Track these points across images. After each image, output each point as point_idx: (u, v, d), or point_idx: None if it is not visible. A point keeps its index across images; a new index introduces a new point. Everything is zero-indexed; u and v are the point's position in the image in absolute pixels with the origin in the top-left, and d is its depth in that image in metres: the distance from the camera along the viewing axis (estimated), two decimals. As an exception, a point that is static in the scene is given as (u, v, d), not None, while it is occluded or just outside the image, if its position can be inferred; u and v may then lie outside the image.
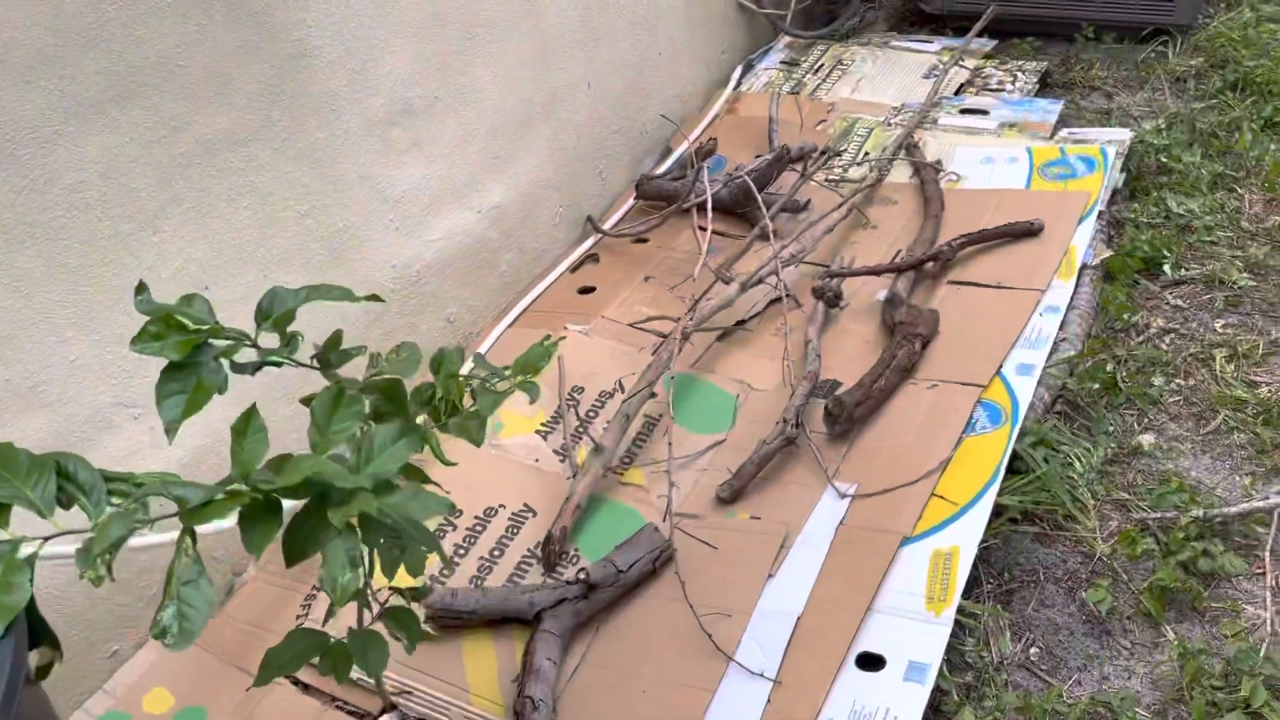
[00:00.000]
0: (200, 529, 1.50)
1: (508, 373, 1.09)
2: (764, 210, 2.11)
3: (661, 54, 2.60)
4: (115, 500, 0.87)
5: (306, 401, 1.04)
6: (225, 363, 0.96)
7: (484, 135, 2.03)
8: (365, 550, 1.10)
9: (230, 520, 1.55)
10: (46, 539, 0.83)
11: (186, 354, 0.93)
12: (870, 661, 1.40)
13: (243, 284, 1.55)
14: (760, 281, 2.00)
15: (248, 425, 0.93)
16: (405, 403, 1.05)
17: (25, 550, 0.79)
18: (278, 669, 1.11)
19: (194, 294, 0.98)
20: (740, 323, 2.05)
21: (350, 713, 1.44)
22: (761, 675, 1.39)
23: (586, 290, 2.21)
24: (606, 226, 2.36)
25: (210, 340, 0.95)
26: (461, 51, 1.93)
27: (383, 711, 1.44)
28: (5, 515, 0.81)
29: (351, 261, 1.76)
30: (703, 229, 2.13)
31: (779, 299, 2.03)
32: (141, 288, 0.96)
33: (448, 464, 1.09)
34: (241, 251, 1.55)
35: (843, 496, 1.64)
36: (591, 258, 2.32)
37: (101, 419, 1.41)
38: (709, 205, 2.10)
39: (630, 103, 2.50)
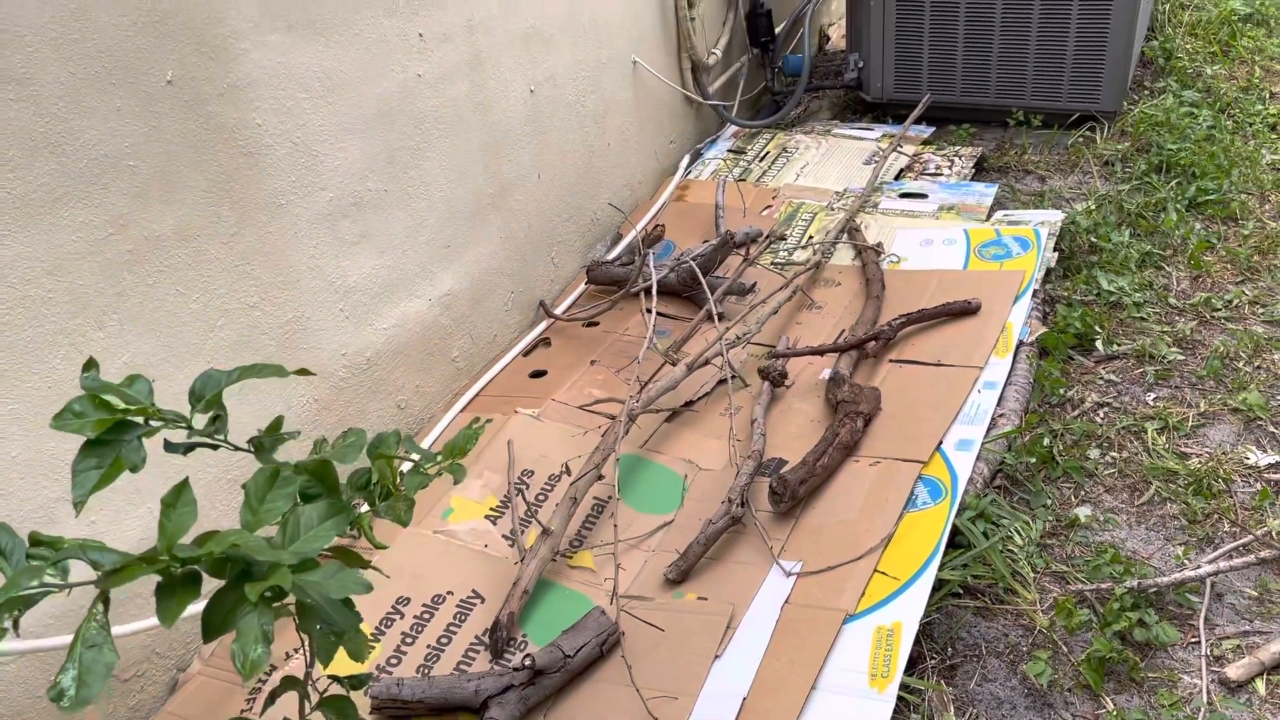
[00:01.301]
0: (139, 625, 1.50)
1: (438, 457, 1.11)
2: (709, 293, 2.16)
3: (610, 145, 2.68)
4: (35, 563, 0.88)
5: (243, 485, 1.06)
6: (147, 443, 0.98)
7: (434, 225, 2.08)
8: (305, 638, 1.11)
9: (153, 620, 1.54)
10: None
11: (104, 431, 0.95)
12: (813, 741, 1.40)
13: (189, 375, 1.55)
14: (707, 363, 2.05)
15: (178, 498, 0.95)
16: (336, 484, 1.07)
17: None
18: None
19: (137, 375, 1.00)
20: (688, 403, 2.08)
21: (293, 809, 1.41)
22: (707, 758, 1.39)
23: (538, 374, 2.24)
24: (558, 311, 2.41)
25: (136, 419, 0.97)
26: (411, 146, 1.99)
27: (326, 807, 1.41)
28: None
29: (301, 350, 1.78)
30: (649, 311, 2.18)
31: (726, 379, 2.08)
32: (90, 364, 0.98)
33: (379, 546, 1.10)
34: (189, 344, 1.57)
35: (788, 575, 1.66)
36: (544, 342, 2.36)
37: (44, 513, 1.41)
38: (654, 289, 2.15)
39: (580, 191, 2.57)
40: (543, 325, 2.39)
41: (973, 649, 1.59)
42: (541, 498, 1.89)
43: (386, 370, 2.00)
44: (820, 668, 1.49)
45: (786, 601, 1.62)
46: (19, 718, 1.42)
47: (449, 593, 1.71)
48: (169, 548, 0.93)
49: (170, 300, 1.54)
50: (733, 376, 2.05)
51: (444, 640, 1.64)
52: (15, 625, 0.87)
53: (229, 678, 1.61)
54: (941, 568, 1.64)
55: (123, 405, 0.99)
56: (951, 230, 2.56)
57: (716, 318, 2.12)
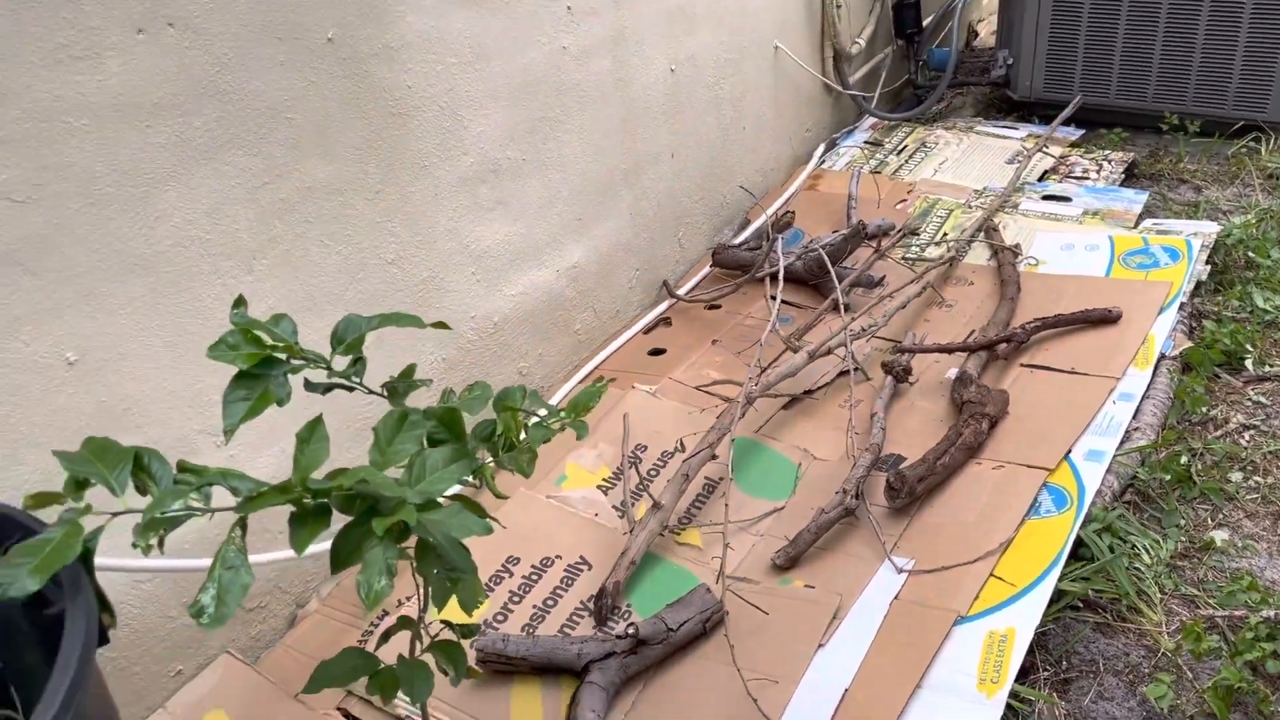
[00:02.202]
0: (268, 556, 1.56)
1: (562, 413, 1.12)
2: (836, 282, 2.13)
3: (746, 129, 2.66)
4: (180, 486, 0.92)
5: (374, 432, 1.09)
6: (292, 379, 1.02)
7: (567, 197, 2.10)
8: (422, 582, 1.14)
9: (288, 552, 1.60)
10: (114, 515, 0.88)
11: (254, 364, 0.99)
12: (916, 739, 1.38)
13: (328, 323, 1.61)
14: (829, 352, 2.02)
15: (312, 433, 0.99)
16: (462, 432, 1.10)
17: (91, 522, 0.85)
18: (327, 681, 1.15)
19: (283, 315, 1.04)
20: (807, 392, 2.06)
21: (396, 749, 1.46)
22: (804, 744, 1.37)
23: (657, 352, 2.25)
24: (681, 292, 2.41)
25: (281, 356, 1.01)
26: (551, 117, 2.01)
27: (427, 750, 1.45)
28: (83, 489, 0.87)
29: (434, 309, 1.83)
30: (774, 298, 2.16)
31: (847, 371, 2.04)
32: (239, 302, 1.03)
33: (500, 496, 1.12)
34: (329, 294, 1.63)
35: (899, 571, 1.63)
36: (664, 321, 2.36)
37: (187, 445, 1.49)
38: (780, 275, 2.13)
39: (712, 174, 2.57)
40: (664, 305, 2.40)
41: (1090, 665, 1.53)
42: (653, 473, 1.90)
43: (511, 336, 2.03)
44: (927, 666, 1.45)
45: (896, 597, 1.59)
46: (150, 634, 1.50)
47: (557, 557, 1.74)
48: (302, 480, 0.97)
49: (315, 250, 1.60)
50: (855, 368, 2.02)
51: (550, 602, 1.66)
52: (160, 544, 0.92)
53: (344, 618, 1.67)
54: (1061, 578, 1.58)
55: (270, 342, 1.03)
56: (1095, 235, 2.46)
57: (842, 308, 2.09)
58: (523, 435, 1.13)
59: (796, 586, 1.64)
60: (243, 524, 0.95)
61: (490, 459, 1.13)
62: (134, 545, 0.87)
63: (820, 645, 1.53)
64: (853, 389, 1.98)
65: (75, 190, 1.27)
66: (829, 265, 2.17)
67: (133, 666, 1.49)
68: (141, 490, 0.93)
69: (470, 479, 1.12)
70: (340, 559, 1.00)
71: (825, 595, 1.61)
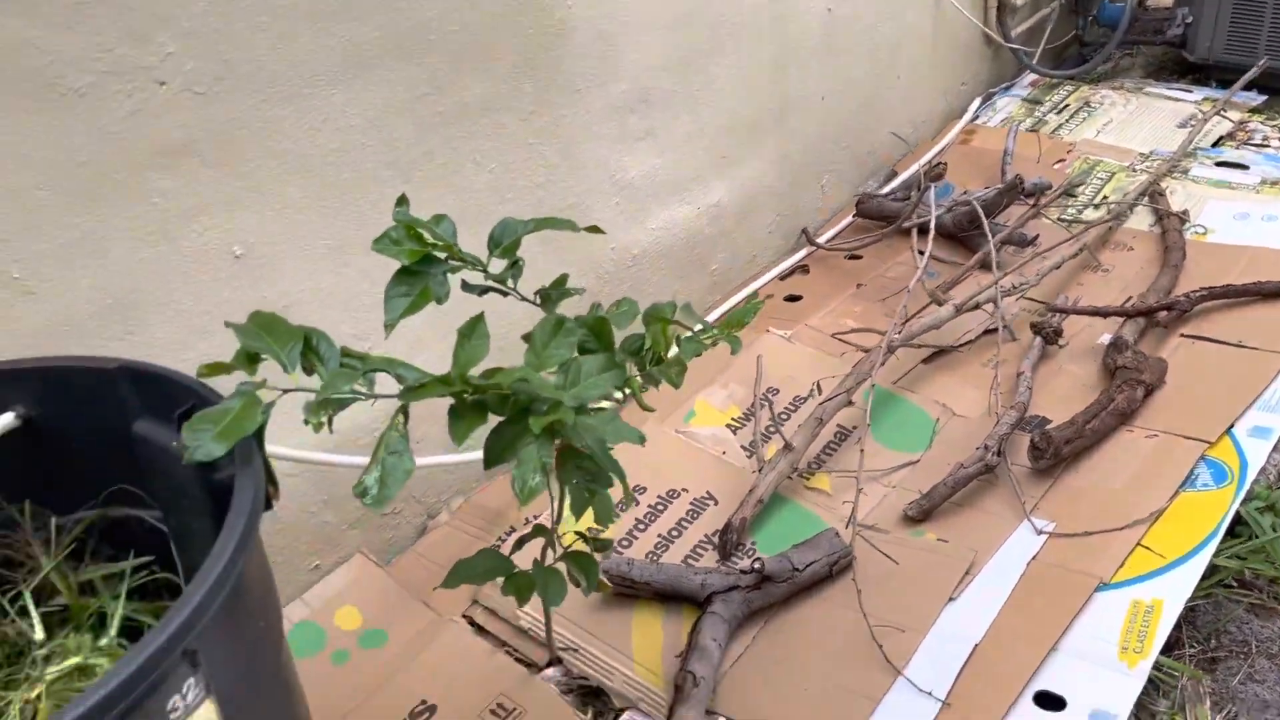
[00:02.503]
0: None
1: (715, 331, 1.11)
2: (990, 237, 2.05)
3: (900, 77, 2.58)
4: (348, 369, 0.95)
5: (526, 338, 1.10)
6: (450, 279, 1.03)
7: (714, 133, 2.07)
8: (559, 490, 1.15)
9: (430, 458, 1.64)
10: (285, 391, 0.91)
11: (416, 261, 1.00)
12: (1050, 701, 1.33)
13: (478, 240, 1.65)
14: (976, 307, 1.95)
15: (473, 330, 1.00)
16: (612, 343, 1.10)
17: (267, 396, 0.88)
18: (464, 578, 1.17)
19: (443, 215, 1.06)
20: (949, 347, 1.99)
21: (517, 659, 1.49)
22: (930, 694, 1.34)
23: (793, 298, 2.21)
24: (821, 240, 2.36)
25: (441, 256, 1.02)
26: (705, 50, 1.98)
27: (549, 664, 1.48)
28: (255, 364, 0.90)
29: (576, 238, 1.83)
30: (921, 252, 2.10)
31: (994, 329, 1.97)
32: (402, 200, 1.04)
33: (646, 409, 1.12)
34: (479, 211, 1.65)
35: (1039, 533, 1.56)
36: (802, 268, 2.32)
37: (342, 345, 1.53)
38: (931, 226, 2.06)
39: (861, 121, 2.49)
40: (803, 253, 2.35)
41: (1241, 645, 1.44)
42: (784, 416, 1.87)
43: (649, 270, 2.02)
44: (1064, 630, 1.40)
45: (1033, 558, 1.53)
46: (294, 528, 1.56)
47: (684, 490, 1.73)
48: (462, 374, 0.98)
49: (468, 167, 1.62)
50: (1003, 326, 1.94)
51: (674, 533, 1.66)
52: (329, 424, 0.95)
53: (473, 531, 1.70)
54: (1216, 554, 1.50)
55: (430, 240, 1.04)
56: (1274, 206, 2.30)
57: (994, 264, 2.01)
58: (673, 350, 1.13)
59: (928, 539, 1.60)
60: (405, 411, 0.97)
61: (638, 373, 1.12)
62: (305, 421, 0.90)
63: (951, 599, 1.48)
64: (1000, 347, 1.90)
65: (252, 87, 1.31)
66: (983, 218, 2.09)
67: (275, 557, 1.55)
68: (308, 370, 0.95)
69: (618, 393, 1.12)
70: (493, 456, 1.01)
71: (959, 550, 1.56)
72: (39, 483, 1.06)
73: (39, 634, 1.00)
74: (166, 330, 1.31)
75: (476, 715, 1.41)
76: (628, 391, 1.13)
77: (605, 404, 1.12)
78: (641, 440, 1.01)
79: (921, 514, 1.63)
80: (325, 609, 1.59)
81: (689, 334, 1.12)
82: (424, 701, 1.44)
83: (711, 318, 2.15)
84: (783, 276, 2.29)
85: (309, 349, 0.94)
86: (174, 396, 0.95)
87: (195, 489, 0.92)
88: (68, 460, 1.05)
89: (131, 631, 1.06)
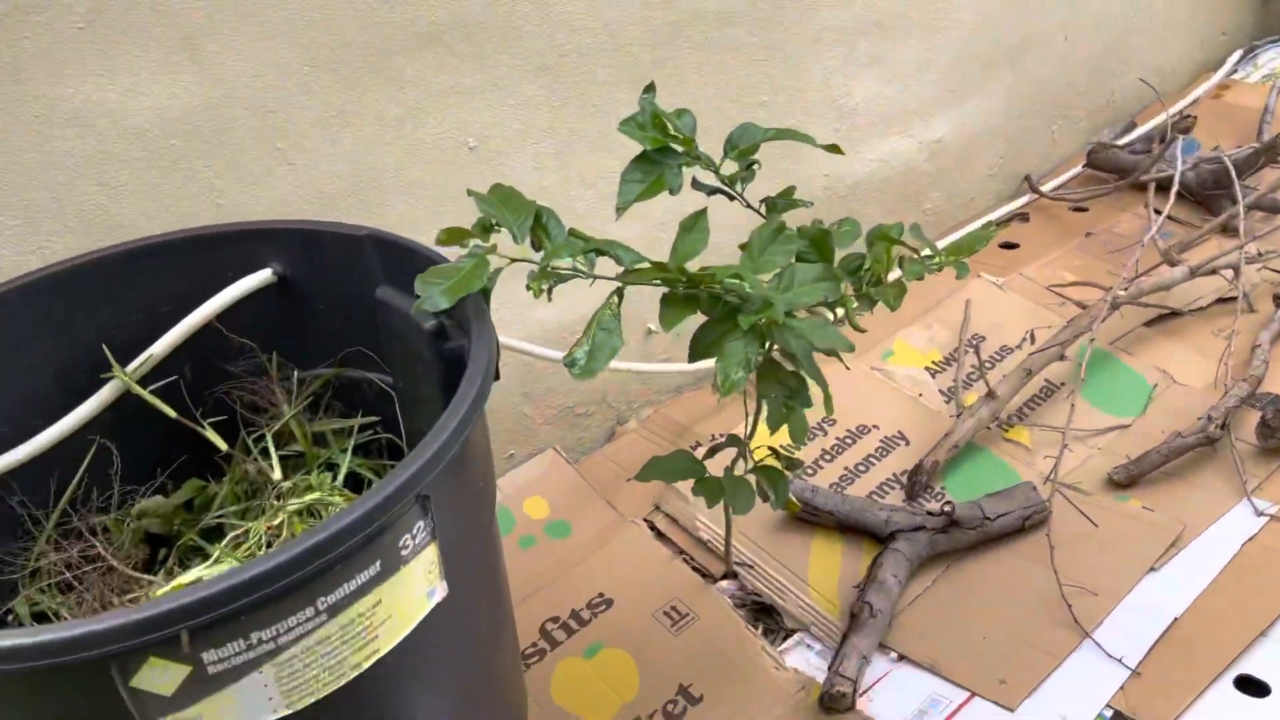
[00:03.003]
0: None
1: (942, 256, 1.07)
2: (1239, 199, 1.89)
3: (1153, 20, 2.39)
4: (573, 243, 0.98)
5: (744, 247, 1.10)
6: (685, 173, 1.05)
7: (945, 66, 1.99)
8: (756, 404, 1.15)
9: (627, 363, 1.68)
10: (513, 261, 0.95)
11: (655, 148, 1.02)
12: (1252, 686, 1.25)
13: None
14: (1213, 272, 1.81)
15: (695, 223, 1.01)
16: (831, 256, 1.08)
17: (495, 261, 0.92)
18: (658, 474, 1.21)
19: (685, 110, 1.06)
20: (1177, 312, 1.86)
21: (694, 568, 1.52)
22: (1120, 661, 1.29)
23: (1009, 246, 2.12)
24: (1046, 189, 2.24)
25: (678, 149, 1.03)
26: (945, -24, 1.90)
27: (724, 576, 1.50)
28: (489, 233, 0.94)
29: (790, 161, 1.81)
30: (1158, 211, 1.96)
31: (1232, 298, 1.83)
32: (650, 88, 1.06)
33: (858, 329, 1.10)
34: (701, 126, 1.64)
35: (1259, 514, 1.46)
36: (1021, 216, 2.21)
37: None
38: (1175, 183, 1.92)
39: (1105, 66, 2.33)
40: (1023, 200, 2.24)
41: None
42: (988, 365, 1.81)
43: (860, 202, 1.98)
44: (1279, 617, 1.31)
45: (1250, 540, 1.43)
46: (496, 415, 1.63)
47: (875, 426, 1.71)
48: (680, 264, 0.99)
49: (693, 79, 1.62)
50: (1243, 295, 1.80)
51: (861, 468, 1.65)
52: (549, 294, 0.98)
53: (660, 441, 1.74)
54: None
55: (671, 132, 1.05)
56: None
57: (1241, 228, 1.85)
58: (893, 274, 1.10)
59: (1133, 506, 1.52)
60: (620, 293, 0.99)
61: (855, 293, 1.11)
62: (527, 288, 0.94)
63: (1151, 569, 1.41)
64: (1238, 316, 1.77)
65: (500, -19, 1.35)
66: (1235, 177, 1.93)
67: (475, 440, 1.63)
68: (536, 245, 0.99)
69: (831, 310, 1.11)
70: (699, 350, 1.03)
71: (1166, 520, 1.48)
72: (287, 338, 1.14)
73: (277, 474, 1.10)
74: (403, 209, 1.38)
75: (650, 614, 1.46)
76: (840, 313, 1.12)
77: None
78: (850, 348, 1.00)
79: (1129, 479, 1.55)
80: (516, 495, 1.66)
81: (912, 257, 1.09)
82: (601, 594, 1.49)
83: (918, 258, 2.09)
84: (999, 223, 2.19)
85: (539, 224, 0.98)
86: (415, 265, 1.00)
87: (428, 355, 0.97)
88: (313, 320, 1.13)
89: (354, 483, 1.14)
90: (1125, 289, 1.71)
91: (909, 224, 2.07)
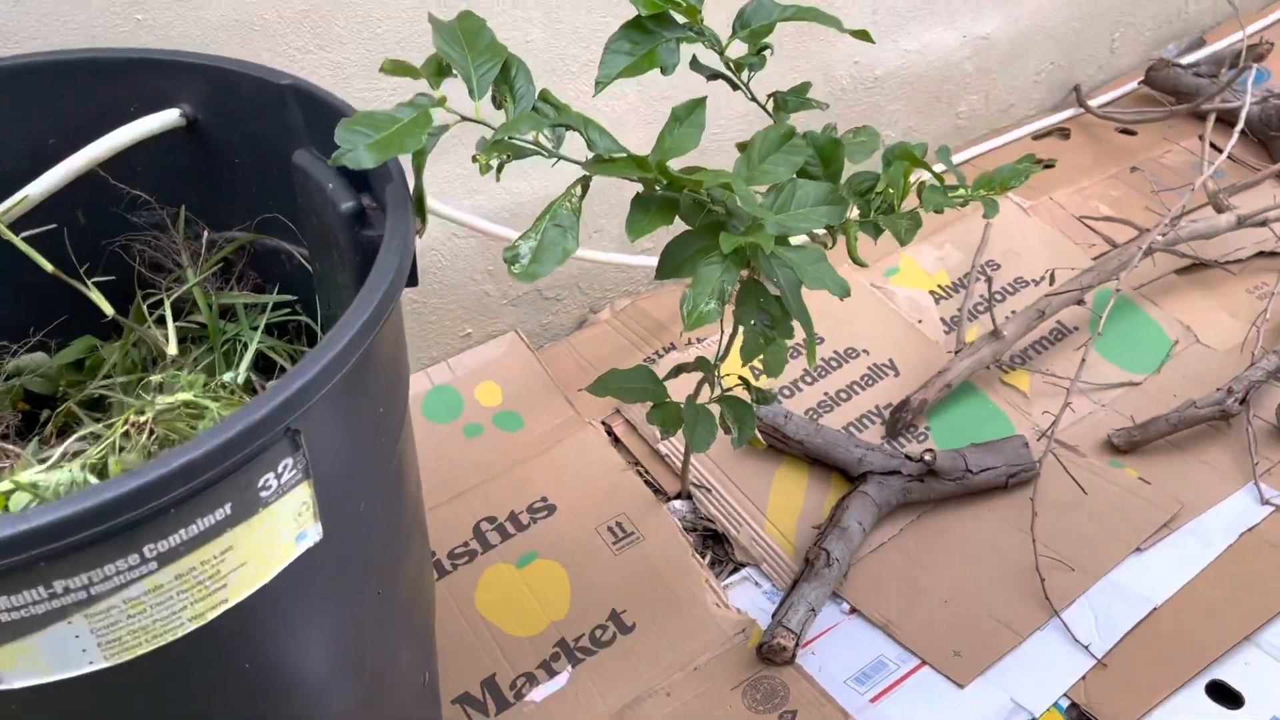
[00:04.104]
0: (582, 252, 1.48)
1: (969, 189, 0.91)
2: (1306, 143, 1.69)
3: (1247, -76, 2.12)
4: (538, 114, 0.82)
5: (742, 146, 0.93)
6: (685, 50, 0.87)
7: (1006, -49, 1.75)
8: (732, 326, 1.01)
9: (601, 253, 1.52)
10: (464, 119, 0.79)
11: (652, 14, 0.84)
12: (1223, 694, 1.15)
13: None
14: (1264, 224, 1.63)
15: (690, 113, 0.84)
16: (839, 174, 0.92)
17: (439, 117, 0.75)
18: (613, 390, 1.08)
19: (688, -25, 0.88)
20: (1213, 264, 1.70)
21: (647, 482, 1.41)
22: (1086, 648, 1.19)
23: (1043, 164, 1.92)
24: (1094, 103, 2.03)
25: (680, 20, 0.85)
26: None
27: (677, 495, 1.39)
28: (441, 78, 0.77)
29: (814, 40, 1.61)
30: (1215, 148, 1.76)
31: (1273, 253, 1.66)
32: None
33: (859, 263, 0.95)
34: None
35: (1264, 502, 1.34)
36: (1061, 131, 2.01)
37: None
38: (1243, 116, 1.71)
39: (1183, -29, 2.08)
40: (1068, 113, 2.03)
41: None
42: (999, 297, 1.65)
43: (886, 97, 1.78)
44: (1267, 621, 1.20)
45: (1249, 530, 1.31)
46: (453, 290, 1.49)
47: (864, 351, 1.57)
48: (662, 161, 0.83)
49: (716, -66, 1.40)
50: (1288, 252, 1.63)
51: (842, 395, 1.51)
52: (499, 171, 0.82)
53: (632, 336, 1.60)
54: None
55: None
56: None
57: (1300, 176, 1.67)
58: (908, 203, 0.94)
59: (1128, 475, 1.40)
60: (586, 184, 0.84)
61: (859, 219, 0.95)
62: (473, 159, 0.78)
63: (1138, 549, 1.30)
64: None
65: None
66: (1305, 118, 1.73)
67: (429, 315, 1.49)
68: (497, 103, 0.82)
69: (831, 234, 0.95)
70: (669, 266, 0.88)
71: (1161, 496, 1.36)
72: (194, 193, 0.99)
73: (172, 348, 0.96)
74: (357, 53, 1.20)
75: (593, 528, 1.35)
76: (839, 237, 0.96)
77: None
78: (846, 292, 0.85)
79: (1128, 445, 1.42)
80: (468, 379, 1.54)
81: (934, 185, 0.93)
82: (544, 499, 1.39)
83: (942, 168, 1.90)
84: (1037, 136, 1.99)
85: (505, 78, 0.81)
86: (342, 131, 0.84)
87: (344, 241, 0.82)
88: (229, 175, 0.97)
89: (266, 366, 1.01)
90: (1164, 235, 1.54)
91: (938, 127, 1.88)
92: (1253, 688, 1.15)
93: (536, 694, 1.19)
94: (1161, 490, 1.37)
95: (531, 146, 0.82)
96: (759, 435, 1.32)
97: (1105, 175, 1.88)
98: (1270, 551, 1.28)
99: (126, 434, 0.78)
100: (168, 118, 0.94)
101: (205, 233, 1.00)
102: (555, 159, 0.83)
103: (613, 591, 1.29)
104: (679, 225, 0.88)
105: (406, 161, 0.80)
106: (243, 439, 0.60)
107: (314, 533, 0.70)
